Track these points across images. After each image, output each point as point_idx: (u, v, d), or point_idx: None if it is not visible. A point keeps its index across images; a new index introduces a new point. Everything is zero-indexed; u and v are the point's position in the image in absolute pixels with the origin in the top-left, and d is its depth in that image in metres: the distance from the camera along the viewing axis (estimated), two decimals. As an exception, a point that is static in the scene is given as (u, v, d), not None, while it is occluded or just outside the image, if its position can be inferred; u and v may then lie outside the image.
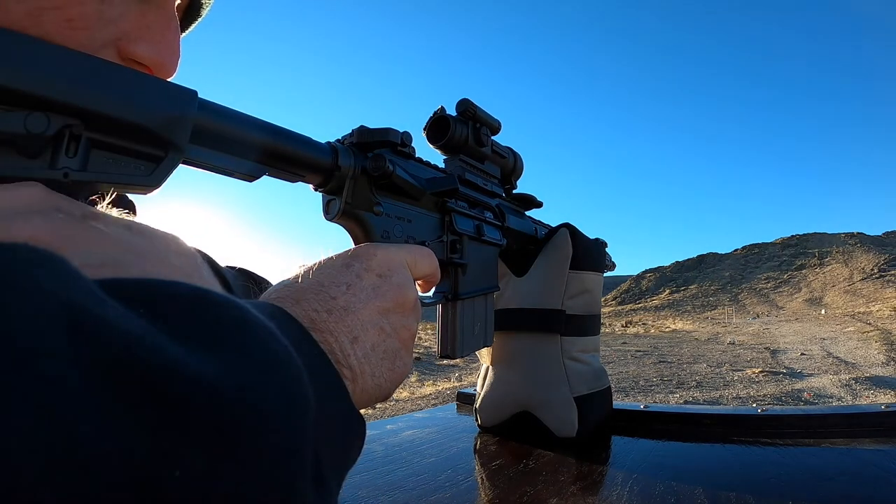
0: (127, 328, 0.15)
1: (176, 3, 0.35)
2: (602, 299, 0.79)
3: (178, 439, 0.14)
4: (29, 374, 0.12)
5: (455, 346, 0.54)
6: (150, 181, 0.28)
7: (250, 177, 0.34)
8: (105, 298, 0.15)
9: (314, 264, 0.33)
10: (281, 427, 0.17)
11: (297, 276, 0.31)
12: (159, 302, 0.17)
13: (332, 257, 0.34)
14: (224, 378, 0.16)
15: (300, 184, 0.39)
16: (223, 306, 0.19)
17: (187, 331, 0.17)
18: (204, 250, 0.30)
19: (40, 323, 0.13)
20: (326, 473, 0.21)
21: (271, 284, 0.38)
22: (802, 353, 11.66)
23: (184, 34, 0.38)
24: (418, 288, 0.44)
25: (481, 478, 0.57)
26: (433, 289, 0.51)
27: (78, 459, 0.12)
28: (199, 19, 0.40)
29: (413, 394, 8.09)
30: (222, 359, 0.17)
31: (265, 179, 0.35)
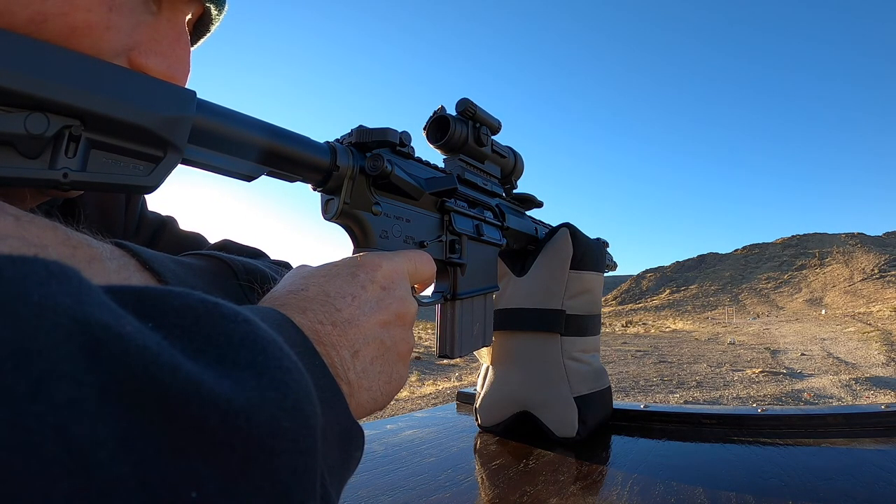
0: (144, 343, 0.14)
1: (187, 18, 0.36)
2: (602, 299, 0.79)
3: (196, 460, 0.14)
4: (47, 399, 0.12)
5: (454, 346, 0.54)
6: (149, 181, 0.28)
7: (249, 176, 0.34)
8: (120, 312, 0.15)
9: (319, 269, 0.32)
10: (294, 446, 0.17)
11: (303, 283, 0.31)
12: (169, 313, 0.17)
13: (336, 264, 0.33)
14: (239, 397, 0.16)
15: (299, 183, 0.39)
16: (233, 320, 0.19)
17: (199, 345, 0.17)
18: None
19: (57, 341, 0.13)
20: (330, 489, 0.21)
21: (260, 267, 0.38)
22: (802, 354, 11.65)
23: (193, 48, 0.38)
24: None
25: (481, 478, 0.57)
26: (432, 288, 0.50)
27: (95, 486, 0.12)
28: (208, 34, 0.40)
29: (413, 393, 8.08)
30: (235, 377, 0.17)
31: (263, 178, 0.35)
